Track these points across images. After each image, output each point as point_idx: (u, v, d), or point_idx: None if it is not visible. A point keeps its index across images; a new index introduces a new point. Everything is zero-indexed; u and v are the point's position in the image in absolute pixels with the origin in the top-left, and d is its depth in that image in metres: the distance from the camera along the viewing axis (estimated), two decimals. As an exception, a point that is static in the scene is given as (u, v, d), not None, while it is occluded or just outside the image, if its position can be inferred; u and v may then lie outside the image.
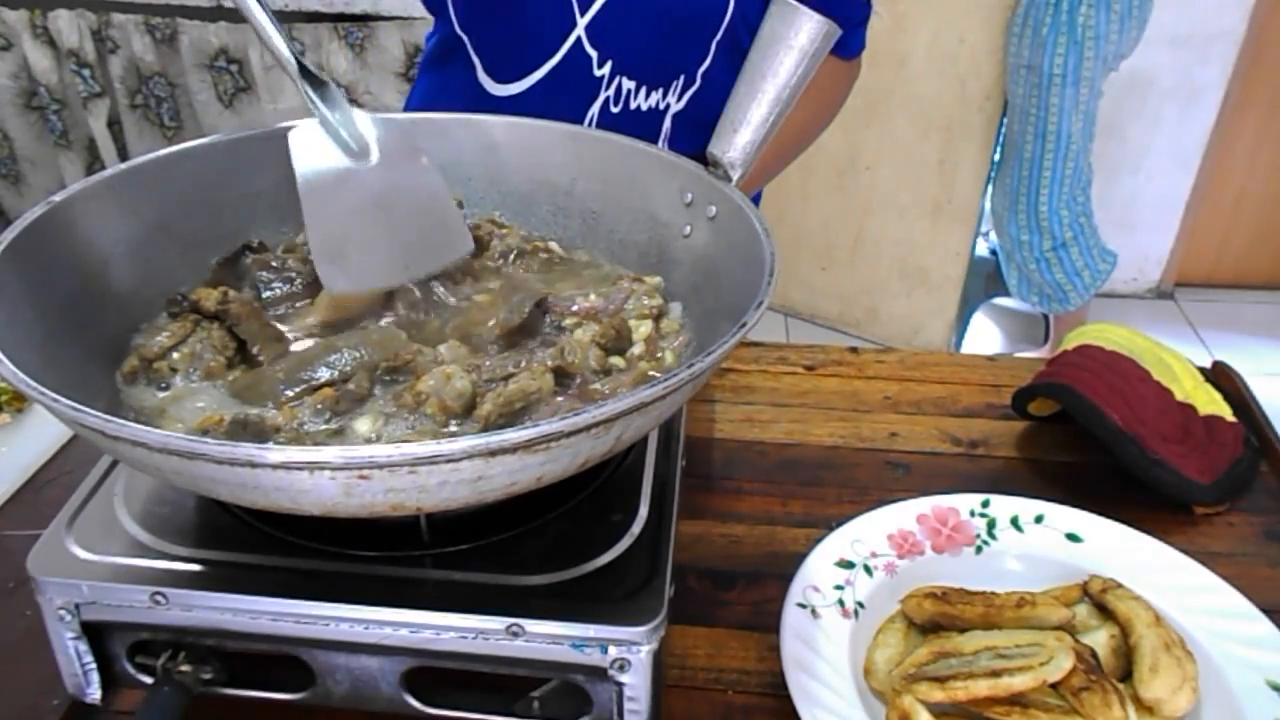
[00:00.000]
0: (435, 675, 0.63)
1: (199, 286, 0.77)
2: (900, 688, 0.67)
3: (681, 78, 1.15)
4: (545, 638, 0.59)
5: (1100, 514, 0.83)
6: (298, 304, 0.79)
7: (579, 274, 0.85)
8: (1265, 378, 1.31)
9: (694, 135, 1.17)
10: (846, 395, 1.05)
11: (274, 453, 0.50)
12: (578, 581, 0.62)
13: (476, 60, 1.15)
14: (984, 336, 3.13)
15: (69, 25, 2.59)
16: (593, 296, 0.80)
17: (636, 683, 0.60)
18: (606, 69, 1.12)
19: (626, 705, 0.61)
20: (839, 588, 0.76)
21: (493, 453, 0.51)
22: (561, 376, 0.69)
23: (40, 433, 0.93)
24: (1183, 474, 0.88)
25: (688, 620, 0.77)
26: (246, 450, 0.50)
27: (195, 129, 2.75)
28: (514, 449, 0.51)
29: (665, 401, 0.56)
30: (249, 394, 0.69)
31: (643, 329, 0.77)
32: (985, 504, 0.84)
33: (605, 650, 0.59)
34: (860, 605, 0.75)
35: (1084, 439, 0.95)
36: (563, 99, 1.14)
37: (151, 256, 0.79)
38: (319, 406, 0.66)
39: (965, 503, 0.84)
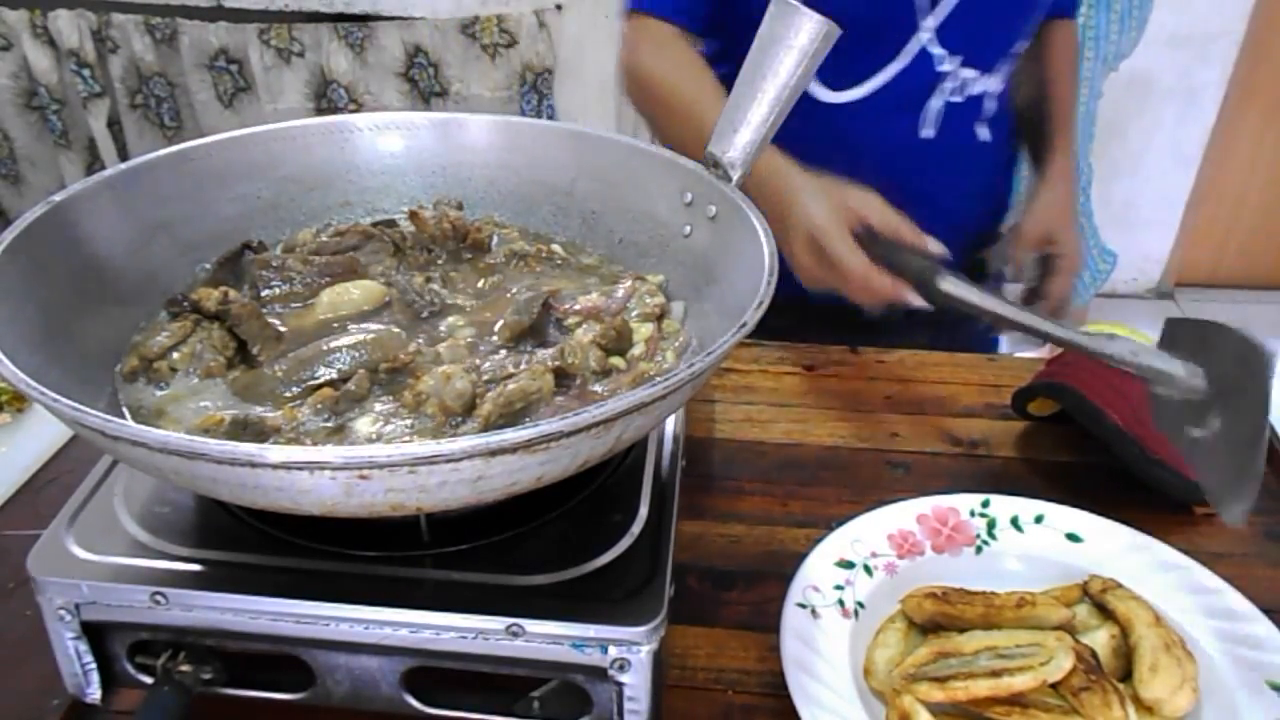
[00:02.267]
0: (435, 675, 0.63)
1: (199, 286, 0.77)
2: (900, 688, 0.67)
3: (1007, 59, 1.21)
4: (545, 638, 0.60)
5: (1100, 514, 0.83)
6: (297, 303, 0.79)
7: (580, 274, 0.85)
8: (1265, 378, 1.31)
9: (1002, 111, 1.27)
10: (846, 395, 1.05)
11: (274, 453, 0.50)
12: (578, 582, 0.62)
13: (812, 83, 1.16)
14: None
15: (69, 25, 2.59)
16: (595, 295, 0.80)
17: (636, 683, 0.60)
18: (952, 64, 1.15)
19: (626, 705, 0.61)
20: (839, 588, 0.76)
21: (493, 453, 0.51)
22: (561, 377, 0.69)
23: (40, 433, 0.93)
24: (1183, 474, 0.88)
25: (688, 620, 0.77)
26: (246, 450, 0.50)
27: (195, 129, 2.75)
28: (514, 449, 0.51)
29: (665, 401, 0.56)
30: (249, 394, 0.69)
31: (644, 329, 0.77)
32: (985, 504, 0.84)
33: (605, 650, 0.59)
34: (860, 605, 0.75)
35: (1084, 439, 0.95)
36: (905, 97, 1.17)
37: (151, 256, 0.79)
38: (319, 406, 0.66)
39: (965, 503, 0.84)
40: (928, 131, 1.19)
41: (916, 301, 0.90)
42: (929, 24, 1.12)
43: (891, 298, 0.92)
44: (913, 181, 1.20)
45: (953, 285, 0.85)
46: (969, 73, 1.17)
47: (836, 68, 1.13)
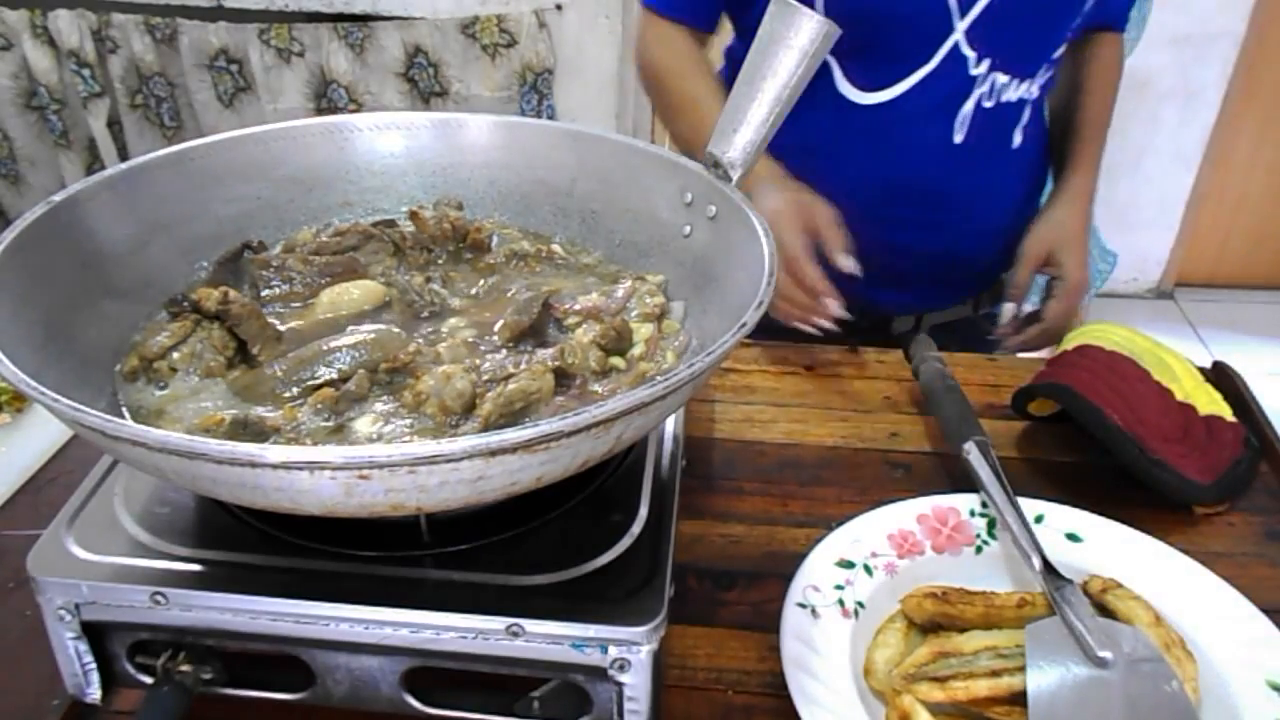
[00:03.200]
0: (435, 675, 0.63)
1: (199, 286, 0.77)
2: (900, 688, 0.67)
3: (1045, 65, 1.18)
4: (545, 638, 0.60)
5: (1100, 514, 0.83)
6: (297, 303, 0.79)
7: (580, 274, 0.85)
8: (1265, 378, 1.31)
9: (1036, 117, 1.24)
10: (846, 395, 1.05)
11: (274, 453, 0.50)
12: (578, 581, 0.62)
13: (836, 68, 1.16)
14: (984, 336, 3.13)
15: (69, 25, 2.59)
16: (595, 295, 0.80)
17: (636, 683, 0.60)
18: (984, 67, 1.14)
19: (626, 705, 0.61)
20: (839, 588, 0.76)
21: (493, 453, 0.51)
22: (561, 377, 0.69)
23: (40, 433, 0.93)
24: (1183, 474, 0.88)
25: (688, 620, 0.77)
26: (246, 450, 0.50)
27: (195, 129, 2.75)
28: (514, 449, 0.51)
29: (665, 401, 0.56)
30: (249, 394, 0.69)
31: (644, 329, 0.77)
32: (985, 504, 0.84)
33: (605, 650, 0.59)
34: (860, 605, 0.75)
35: (1084, 439, 0.95)
36: (936, 102, 1.15)
37: (151, 256, 0.79)
38: (319, 406, 0.66)
39: (965, 503, 0.84)
40: (959, 136, 1.17)
41: (834, 313, 0.94)
42: (961, 26, 1.11)
43: (814, 301, 0.94)
44: (944, 185, 1.20)
45: (972, 454, 0.85)
46: (1002, 78, 1.15)
47: (868, 69, 1.13)
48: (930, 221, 1.22)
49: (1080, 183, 1.29)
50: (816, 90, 1.14)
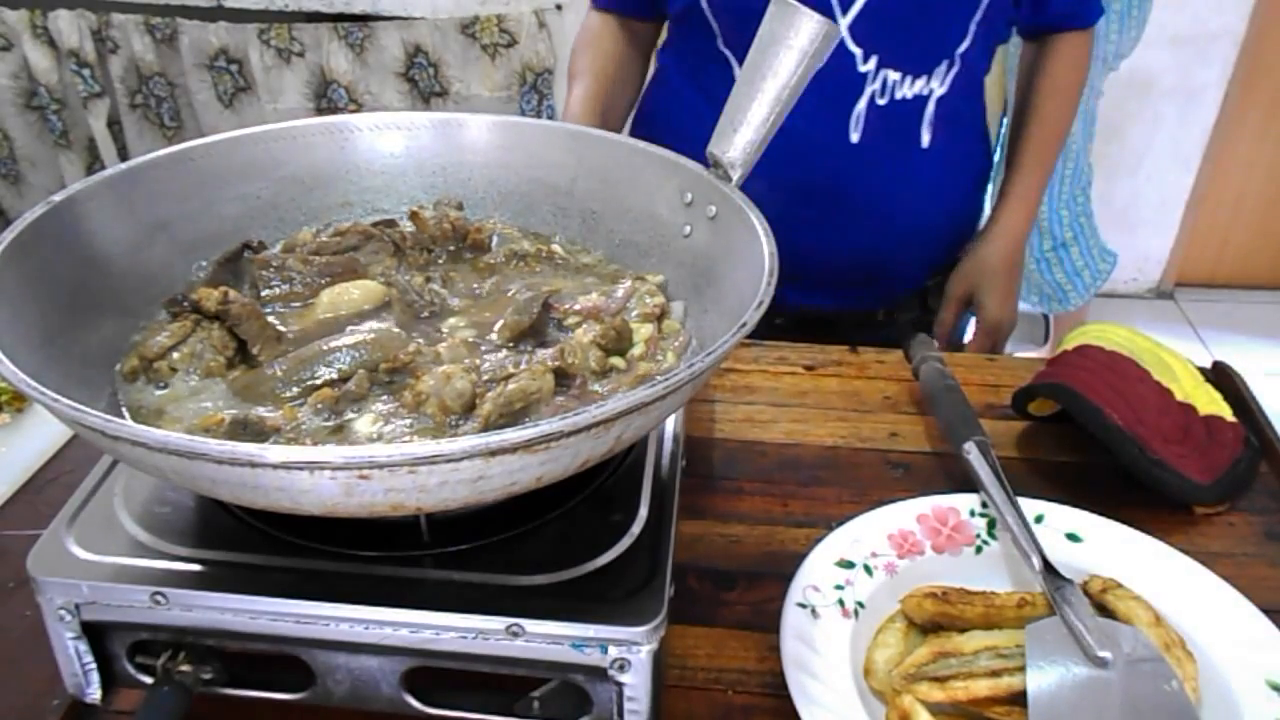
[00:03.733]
0: (435, 675, 0.63)
1: (199, 286, 0.77)
2: (900, 688, 0.67)
3: (944, 62, 1.15)
4: (545, 638, 0.60)
5: (1100, 514, 0.83)
6: (297, 303, 0.79)
7: (580, 274, 0.85)
8: (1265, 378, 1.31)
9: (955, 116, 1.20)
10: (846, 395, 1.05)
11: (274, 453, 0.50)
12: (578, 581, 0.62)
13: (734, 62, 1.14)
14: (984, 336, 3.13)
15: (69, 25, 2.59)
16: (595, 295, 0.80)
17: (636, 683, 0.60)
18: (871, 64, 1.11)
19: (626, 705, 0.61)
20: (839, 588, 0.76)
21: (493, 453, 0.51)
22: (561, 377, 0.69)
23: (40, 433, 0.93)
24: (1183, 474, 0.88)
25: (688, 620, 0.77)
26: (246, 450, 0.50)
27: (195, 129, 2.75)
28: (514, 449, 0.51)
29: (665, 401, 0.56)
30: (249, 394, 0.69)
31: (644, 329, 0.77)
32: (985, 504, 0.84)
33: (605, 650, 0.59)
34: (860, 605, 0.75)
35: (1084, 439, 0.95)
36: (828, 100, 1.13)
37: (151, 256, 0.79)
38: (319, 406, 0.66)
39: (965, 503, 0.84)
40: (856, 135, 1.15)
41: None
42: (844, 22, 1.09)
43: None
44: (846, 185, 1.17)
45: (972, 454, 0.85)
46: (894, 75, 1.13)
47: None
48: (836, 223, 1.20)
49: (1011, 220, 1.26)
50: (717, 85, 1.14)
